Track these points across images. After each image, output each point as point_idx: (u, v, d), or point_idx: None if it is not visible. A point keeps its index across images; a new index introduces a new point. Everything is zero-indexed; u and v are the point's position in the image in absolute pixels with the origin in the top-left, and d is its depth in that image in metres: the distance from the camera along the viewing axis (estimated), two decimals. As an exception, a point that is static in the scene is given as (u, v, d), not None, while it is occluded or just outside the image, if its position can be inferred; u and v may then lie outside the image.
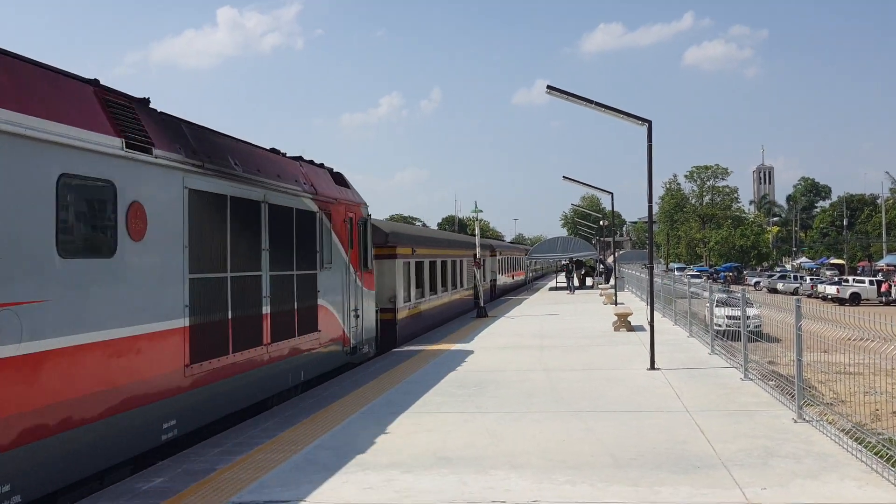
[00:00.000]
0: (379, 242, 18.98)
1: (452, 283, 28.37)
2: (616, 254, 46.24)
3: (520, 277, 55.77)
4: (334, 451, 8.85)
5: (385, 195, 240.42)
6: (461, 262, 30.13)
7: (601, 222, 71.71)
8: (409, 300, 21.46)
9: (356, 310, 15.08)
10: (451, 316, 27.49)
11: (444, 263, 26.75)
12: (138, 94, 9.18)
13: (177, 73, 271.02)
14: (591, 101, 14.74)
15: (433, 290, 24.66)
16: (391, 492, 7.27)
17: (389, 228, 21.31)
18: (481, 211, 30.98)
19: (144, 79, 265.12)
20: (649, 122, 14.35)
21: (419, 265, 23.01)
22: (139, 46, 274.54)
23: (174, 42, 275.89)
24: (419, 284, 22.95)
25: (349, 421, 10.47)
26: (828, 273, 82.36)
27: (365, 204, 16.38)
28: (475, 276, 29.95)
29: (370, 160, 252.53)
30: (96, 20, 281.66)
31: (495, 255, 40.91)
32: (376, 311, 17.18)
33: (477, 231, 30.24)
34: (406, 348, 18.85)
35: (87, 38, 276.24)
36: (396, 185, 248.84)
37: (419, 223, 64.34)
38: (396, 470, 7.97)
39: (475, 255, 29.57)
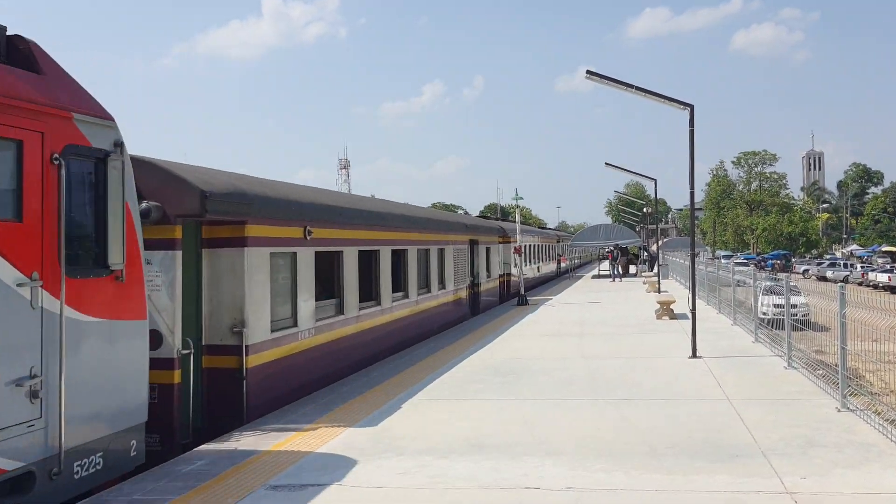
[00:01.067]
0: (188, 211, 9.20)
1: (423, 284, 18.39)
2: (660, 241, 45.60)
3: (549, 270, 45.73)
4: (370, 436, 8.92)
5: (426, 184, 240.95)
6: (443, 251, 20.28)
7: (645, 209, 70.75)
8: (295, 325, 11.51)
9: (31, 376, 6.06)
10: (419, 335, 17.79)
11: (400, 255, 16.85)
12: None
13: (222, 64, 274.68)
14: (631, 86, 14.58)
15: (371, 298, 14.89)
16: (425, 477, 7.31)
17: (227, 185, 10.06)
18: (522, 198, 30.82)
19: (191, 70, 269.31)
20: (691, 107, 14.15)
21: (331, 258, 13.14)
22: (185, 37, 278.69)
23: (219, 33, 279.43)
24: (332, 292, 13.16)
25: (386, 407, 10.54)
26: (879, 261, 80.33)
27: (101, 118, 7.13)
28: (516, 264, 29.74)
29: (412, 149, 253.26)
30: (143, 11, 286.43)
31: (508, 242, 29.49)
32: (178, 359, 9.01)
33: (518, 218, 30.24)
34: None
35: (134, 30, 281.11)
36: (438, 174, 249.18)
37: (461, 211, 63.88)
38: (432, 456, 8.01)
39: (516, 241, 29.45)
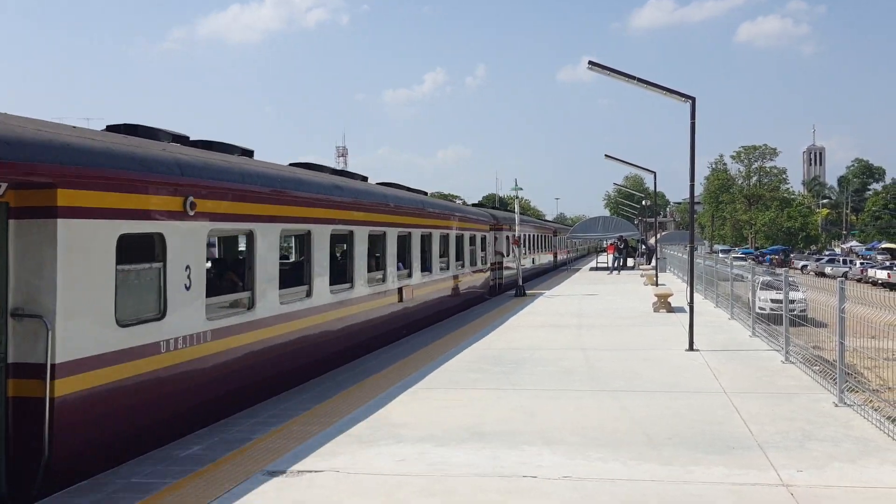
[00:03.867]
0: None
1: None
2: (658, 235, 45.59)
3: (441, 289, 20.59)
4: (369, 423, 8.98)
5: (428, 173, 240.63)
6: None
7: (643, 202, 70.89)
8: None
9: None
10: None
11: None
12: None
13: (223, 48, 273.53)
14: (633, 77, 14.63)
15: None
16: (424, 464, 7.37)
17: None
18: (521, 189, 30.72)
19: (191, 54, 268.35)
20: (692, 99, 14.16)
21: None
22: (186, 21, 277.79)
23: (220, 17, 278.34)
24: None
25: (384, 395, 10.57)
26: (879, 258, 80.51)
27: None
28: (517, 254, 29.48)
29: (413, 138, 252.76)
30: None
31: (359, 224, 14.06)
32: None
33: (517, 209, 30.19)
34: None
35: (135, 13, 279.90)
36: (439, 163, 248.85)
37: (459, 201, 63.34)
38: (430, 443, 8.07)
39: (514, 232, 29.35)
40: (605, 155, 32.13)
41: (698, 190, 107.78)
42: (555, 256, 50.67)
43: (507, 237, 30.40)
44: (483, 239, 26.13)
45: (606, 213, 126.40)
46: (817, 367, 11.47)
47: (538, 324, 18.82)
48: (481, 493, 6.54)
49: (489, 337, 16.53)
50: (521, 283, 28.47)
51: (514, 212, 30.19)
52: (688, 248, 15.96)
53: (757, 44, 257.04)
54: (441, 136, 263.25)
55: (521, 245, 29.72)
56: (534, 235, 39.90)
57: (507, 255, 30.35)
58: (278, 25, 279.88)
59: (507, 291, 29.33)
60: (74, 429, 7.17)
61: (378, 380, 11.72)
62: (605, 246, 59.13)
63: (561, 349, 14.52)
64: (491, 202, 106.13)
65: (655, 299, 21.41)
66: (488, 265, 27.25)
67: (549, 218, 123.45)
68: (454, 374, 12.05)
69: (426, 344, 15.53)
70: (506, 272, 30.29)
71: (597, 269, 48.80)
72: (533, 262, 39.37)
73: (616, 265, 43.88)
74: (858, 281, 56.00)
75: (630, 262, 50.49)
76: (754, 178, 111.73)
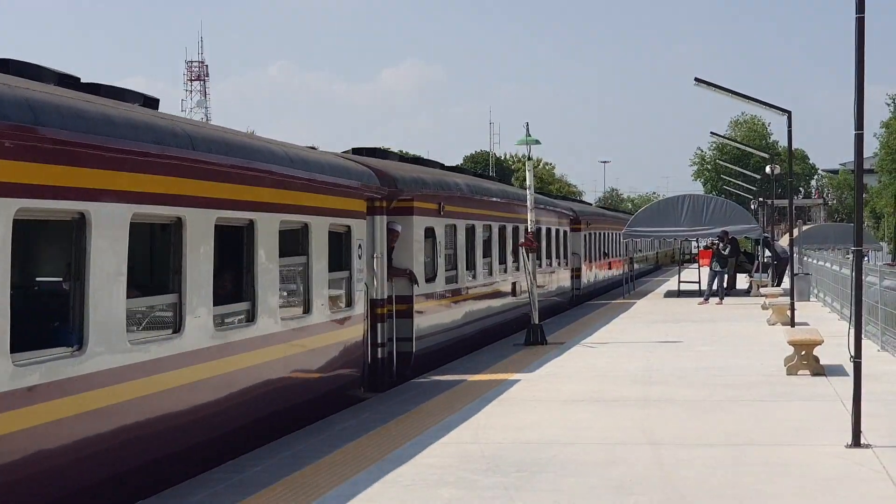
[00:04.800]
0: None
1: None
2: (798, 229, 43.32)
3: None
4: None
5: (362, 111, 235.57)
6: None
7: (769, 169, 66.83)
8: None
9: None
10: None
11: None
12: None
13: None
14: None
15: None
16: None
17: None
18: (538, 142, 28.39)
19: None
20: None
21: None
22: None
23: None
24: None
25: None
26: None
27: None
28: (528, 266, 28.70)
29: (338, 48, 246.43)
30: None
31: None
32: None
33: (529, 181, 28.50)
34: None
35: None
36: (384, 91, 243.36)
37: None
38: None
39: (529, 219, 28.41)
40: (696, 79, 30.40)
41: (872, 146, 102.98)
42: (575, 274, 44.58)
43: (436, 230, 23.86)
44: (342, 237, 18.45)
45: (697, 189, 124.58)
46: None
47: (569, 396, 18.46)
48: None
49: (477, 419, 16.13)
50: (536, 321, 28.03)
51: (516, 184, 29.32)
52: (851, 255, 15.71)
53: None
54: (387, 45, 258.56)
55: (536, 245, 28.93)
56: (547, 230, 37.37)
57: (425, 277, 22.87)
58: None
59: (419, 377, 21.06)
60: None
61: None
62: (693, 250, 57.76)
63: (611, 444, 14.12)
64: (481, 165, 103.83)
65: (791, 351, 20.65)
66: (346, 311, 18.35)
67: (589, 198, 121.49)
68: (412, 494, 11.52)
69: (362, 431, 15.18)
70: (426, 321, 22.64)
71: (679, 293, 48.31)
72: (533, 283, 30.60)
73: (716, 287, 42.71)
74: None
75: (742, 279, 49.87)
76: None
